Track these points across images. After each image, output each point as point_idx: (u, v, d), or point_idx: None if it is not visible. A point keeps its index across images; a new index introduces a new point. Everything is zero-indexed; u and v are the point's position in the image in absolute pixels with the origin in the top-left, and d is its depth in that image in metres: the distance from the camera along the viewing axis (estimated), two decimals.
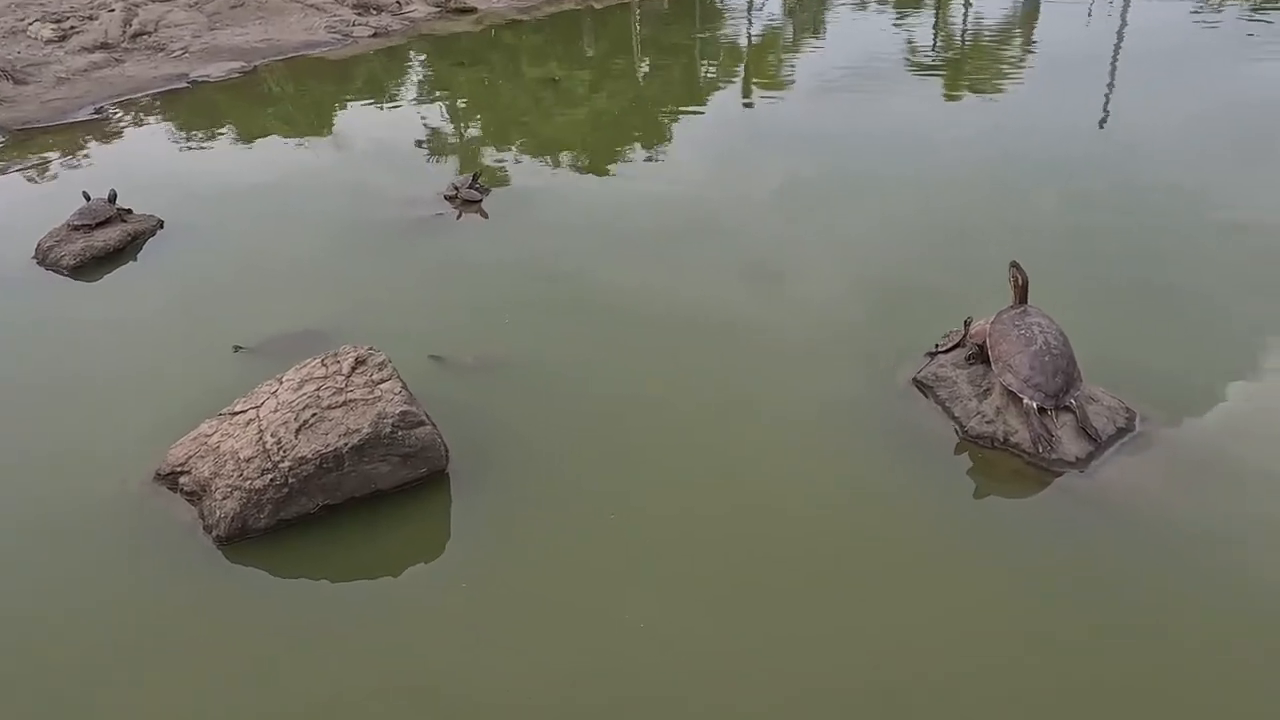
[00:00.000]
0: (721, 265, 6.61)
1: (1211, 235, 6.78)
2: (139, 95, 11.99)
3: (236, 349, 5.50)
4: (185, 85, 12.37)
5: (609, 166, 8.33)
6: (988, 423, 4.73)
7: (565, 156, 8.45)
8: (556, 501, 4.43)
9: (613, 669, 3.59)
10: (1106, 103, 10.29)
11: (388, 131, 9.80)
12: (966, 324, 5.20)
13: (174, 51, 13.57)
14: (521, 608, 3.88)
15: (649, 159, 8.52)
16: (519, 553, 4.17)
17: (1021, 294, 4.89)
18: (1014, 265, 4.92)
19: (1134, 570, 4.00)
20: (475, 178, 7.99)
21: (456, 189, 7.98)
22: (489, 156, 8.35)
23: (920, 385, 5.13)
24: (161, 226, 7.75)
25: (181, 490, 4.34)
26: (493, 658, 3.65)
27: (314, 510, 4.20)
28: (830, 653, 3.64)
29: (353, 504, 4.34)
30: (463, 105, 10.34)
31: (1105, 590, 3.91)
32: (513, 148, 8.65)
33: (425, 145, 8.74)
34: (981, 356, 4.96)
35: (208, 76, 12.57)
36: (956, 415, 4.87)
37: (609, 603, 3.87)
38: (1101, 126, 9.55)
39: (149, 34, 14.14)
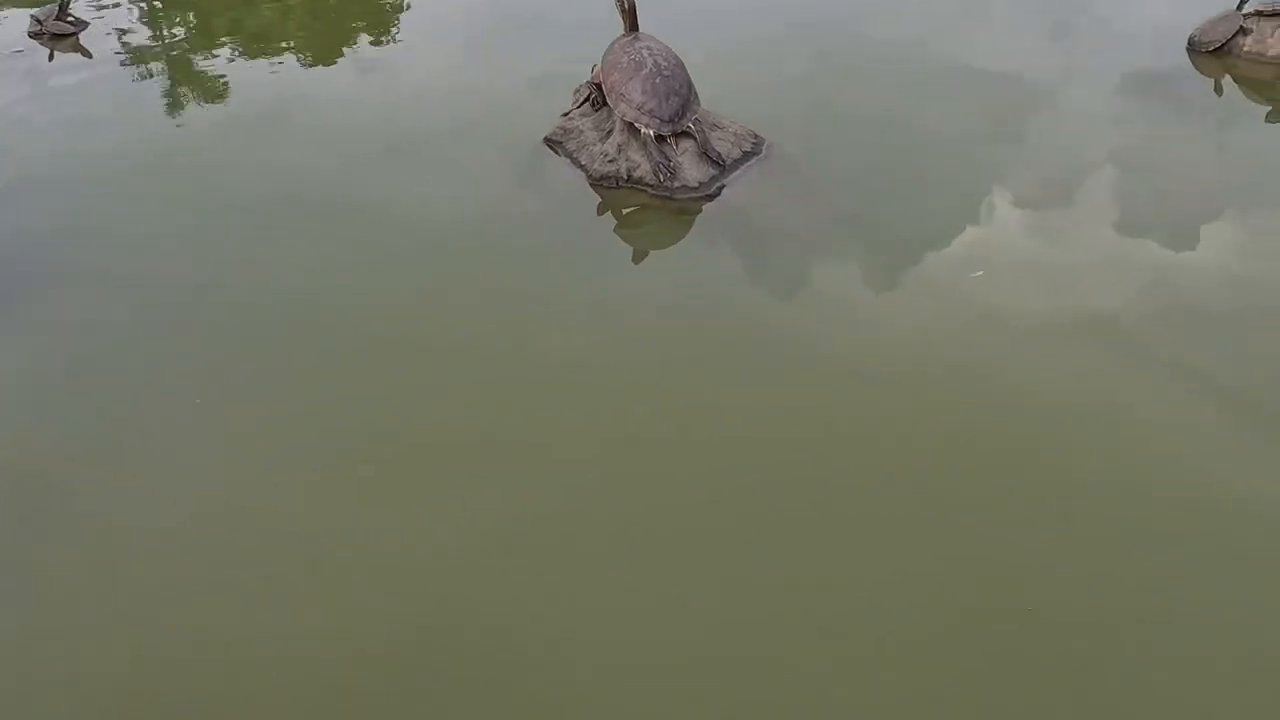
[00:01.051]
0: (441, 159, 5.14)
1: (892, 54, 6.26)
2: None
3: None
4: None
5: (334, 60, 6.79)
6: (610, 162, 4.38)
7: (286, 54, 6.85)
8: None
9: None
10: None
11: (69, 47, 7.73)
12: (593, 71, 4.80)
13: None
14: None
15: (378, 54, 7.02)
16: None
17: (630, 20, 4.51)
18: None
19: (760, 281, 3.91)
20: (63, 8, 6.73)
21: (40, 22, 6.71)
22: (198, 63, 6.69)
23: (550, 143, 4.71)
24: None
25: None
26: None
27: None
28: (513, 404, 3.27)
29: None
30: (157, 4, 8.42)
31: (733, 301, 3.81)
32: (223, 47, 6.97)
33: (121, 58, 7.03)
34: (604, 98, 4.58)
35: None
36: (583, 163, 4.50)
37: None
38: None
39: None
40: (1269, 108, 5.25)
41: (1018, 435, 2.99)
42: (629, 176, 4.34)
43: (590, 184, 4.43)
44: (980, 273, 3.60)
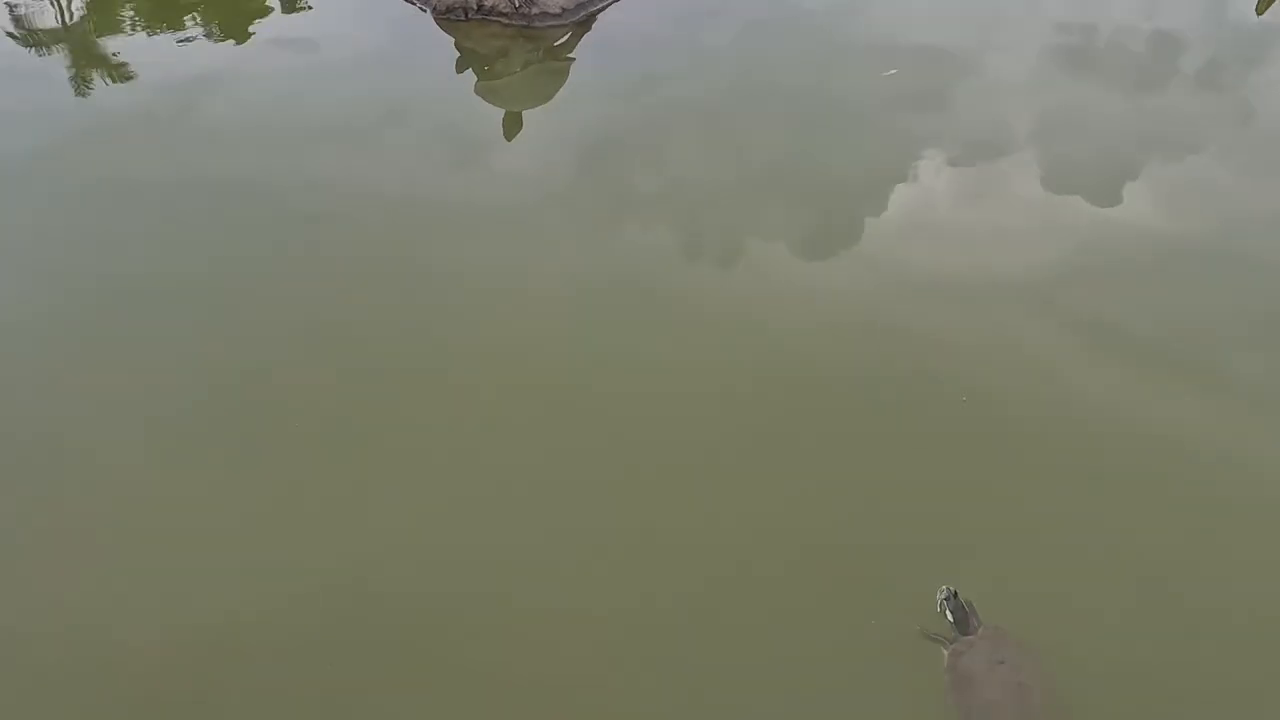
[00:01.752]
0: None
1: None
2: None
3: None
4: None
5: (248, 31, 5.63)
6: None
7: (190, 26, 5.67)
8: None
9: None
10: None
11: None
12: None
13: None
14: None
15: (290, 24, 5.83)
16: None
17: None
18: None
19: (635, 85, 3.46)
20: None
21: None
22: (102, 43, 5.46)
23: None
24: None
25: None
26: None
27: None
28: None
29: None
30: None
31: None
32: (124, 20, 5.79)
33: (19, 38, 5.78)
34: None
35: None
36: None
37: None
38: None
39: None
40: None
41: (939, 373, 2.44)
42: (479, 6, 3.63)
43: (436, 19, 3.71)
44: (893, 70, 2.97)
